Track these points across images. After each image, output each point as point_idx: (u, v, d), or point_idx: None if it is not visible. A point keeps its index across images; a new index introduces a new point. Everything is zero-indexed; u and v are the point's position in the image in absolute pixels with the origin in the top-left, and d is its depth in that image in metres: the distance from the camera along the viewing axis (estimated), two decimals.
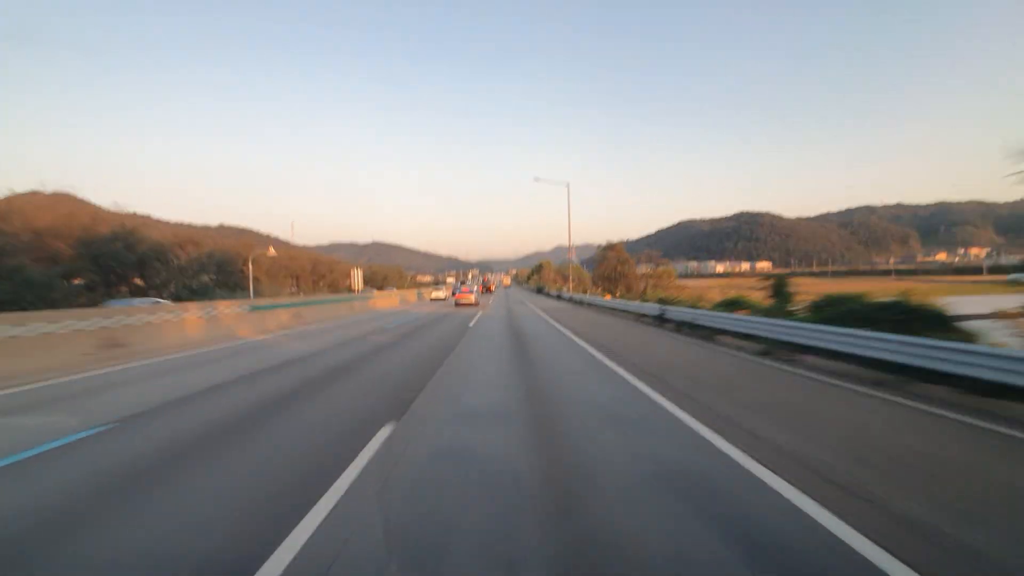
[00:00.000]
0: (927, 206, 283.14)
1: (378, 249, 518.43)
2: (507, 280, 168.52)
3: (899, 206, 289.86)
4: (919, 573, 2.22)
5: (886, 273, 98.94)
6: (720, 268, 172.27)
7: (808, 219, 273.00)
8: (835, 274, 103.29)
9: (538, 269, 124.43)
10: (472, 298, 27.43)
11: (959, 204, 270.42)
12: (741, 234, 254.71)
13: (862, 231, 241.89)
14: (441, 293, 38.37)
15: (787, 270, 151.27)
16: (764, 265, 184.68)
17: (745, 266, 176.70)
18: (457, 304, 27.19)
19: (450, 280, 77.58)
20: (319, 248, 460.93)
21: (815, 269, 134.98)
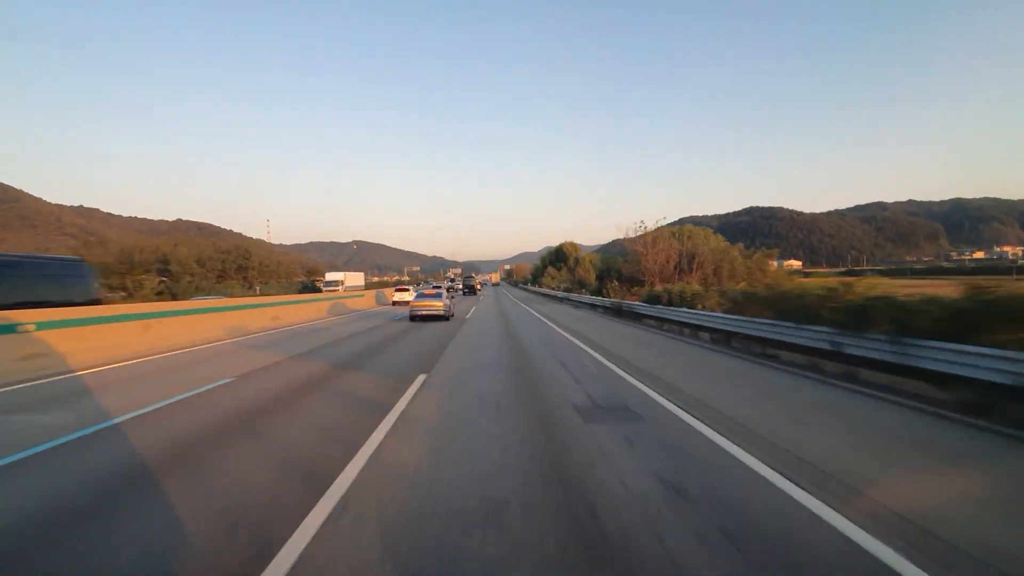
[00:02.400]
0: (942, 202, 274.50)
1: (359, 248, 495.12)
2: (496, 277, 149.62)
3: (911, 202, 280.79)
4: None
5: (975, 272, 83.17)
6: None
7: (822, 215, 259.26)
8: (911, 273, 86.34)
9: (558, 258, 72.99)
10: (440, 306, 18.78)
11: (974, 200, 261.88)
12: (758, 230, 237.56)
13: (888, 227, 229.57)
14: (407, 295, 32.42)
15: (833, 268, 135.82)
16: (793, 263, 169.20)
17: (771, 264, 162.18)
18: (413, 317, 18.80)
19: (341, 275, 56.18)
20: (297, 247, 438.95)
21: (879, 267, 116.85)
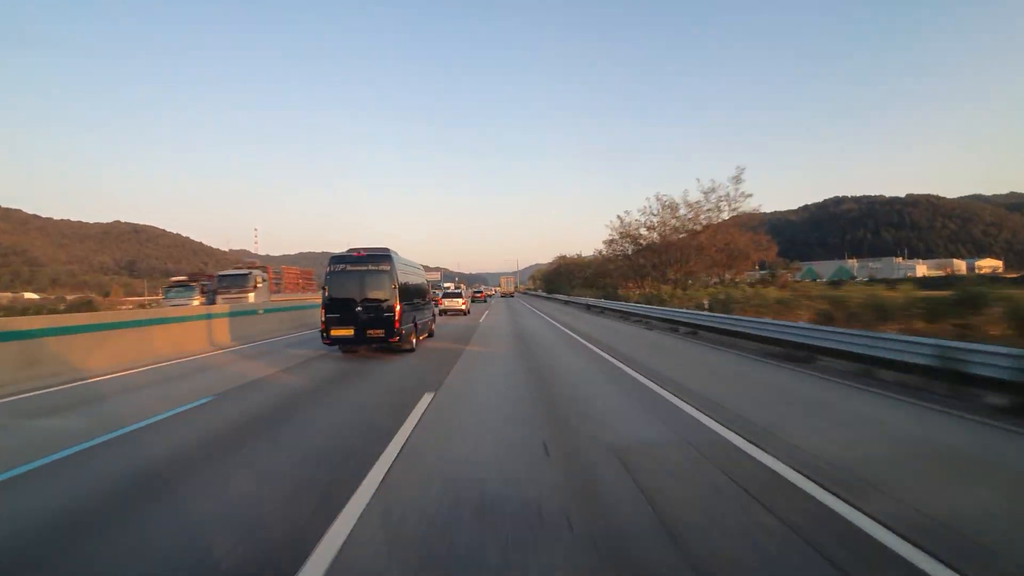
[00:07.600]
0: None
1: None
2: (507, 284, 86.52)
3: (1013, 194, 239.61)
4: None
5: None
6: (923, 270, 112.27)
7: (973, 198, 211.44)
8: None
9: None
10: None
11: None
12: (879, 219, 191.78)
13: None
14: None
15: None
16: (991, 263, 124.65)
17: (960, 265, 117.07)
18: None
19: None
20: (286, 258, 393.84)
21: None
